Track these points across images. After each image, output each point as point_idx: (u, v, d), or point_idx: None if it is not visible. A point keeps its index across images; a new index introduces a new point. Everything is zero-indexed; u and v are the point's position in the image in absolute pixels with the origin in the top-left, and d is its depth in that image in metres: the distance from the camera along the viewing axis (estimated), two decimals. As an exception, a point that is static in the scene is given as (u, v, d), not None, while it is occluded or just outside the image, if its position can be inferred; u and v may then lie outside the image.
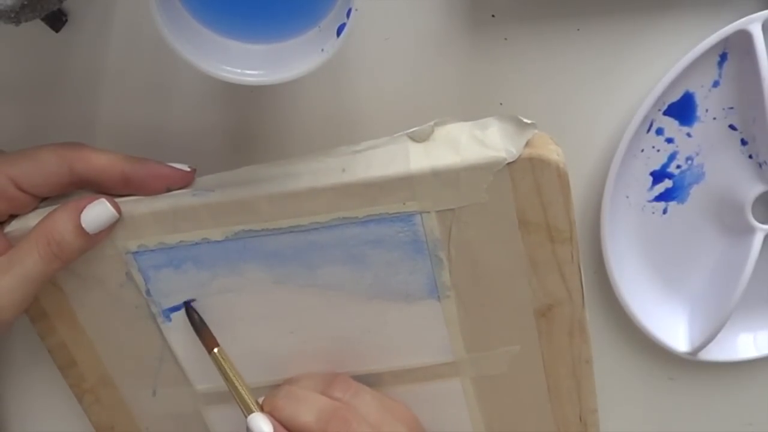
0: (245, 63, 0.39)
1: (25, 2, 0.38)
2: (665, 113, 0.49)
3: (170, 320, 0.48)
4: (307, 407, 0.46)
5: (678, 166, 0.51)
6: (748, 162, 0.50)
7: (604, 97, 0.49)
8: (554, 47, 0.48)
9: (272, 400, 0.47)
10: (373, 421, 0.47)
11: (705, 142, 0.50)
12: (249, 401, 0.47)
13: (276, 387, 0.49)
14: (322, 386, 0.48)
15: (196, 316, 0.47)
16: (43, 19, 0.45)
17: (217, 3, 0.39)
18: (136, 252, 0.45)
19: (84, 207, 0.43)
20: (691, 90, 0.49)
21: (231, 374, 0.47)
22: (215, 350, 0.47)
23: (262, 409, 0.47)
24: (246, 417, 0.46)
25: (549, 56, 0.48)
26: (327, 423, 0.45)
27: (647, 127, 0.50)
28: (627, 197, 0.51)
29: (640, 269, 0.53)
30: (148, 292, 0.47)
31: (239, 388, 0.47)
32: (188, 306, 0.47)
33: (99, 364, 0.50)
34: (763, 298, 0.53)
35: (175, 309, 0.48)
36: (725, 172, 0.51)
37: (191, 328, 0.48)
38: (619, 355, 0.56)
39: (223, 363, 0.47)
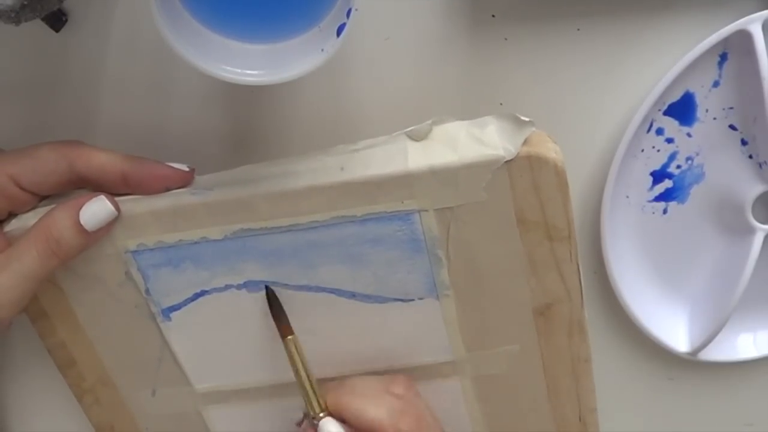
0: (245, 63, 0.39)
1: (25, 2, 0.38)
2: (665, 113, 0.49)
3: (170, 319, 0.48)
4: (375, 403, 0.46)
5: (678, 166, 0.51)
6: (748, 162, 0.50)
7: (604, 97, 0.49)
8: (554, 47, 0.48)
9: (337, 396, 0.46)
10: (431, 422, 0.47)
11: (705, 142, 0.50)
12: (314, 397, 0.46)
13: (335, 382, 0.48)
14: (384, 383, 0.48)
15: (276, 301, 0.47)
16: (43, 19, 0.45)
17: (217, 3, 0.39)
18: (136, 251, 0.46)
19: (83, 204, 0.43)
20: (691, 90, 0.49)
21: (300, 365, 0.46)
22: (289, 338, 0.46)
23: (326, 405, 0.46)
24: (308, 408, 0.46)
25: (549, 56, 0.48)
26: (399, 420, 0.45)
27: (647, 127, 0.49)
28: (627, 197, 0.51)
29: (640, 269, 0.53)
30: (147, 291, 0.47)
31: (306, 381, 0.46)
32: (269, 289, 0.47)
33: (98, 364, 0.50)
34: (763, 298, 0.53)
35: (175, 308, 0.48)
36: (725, 172, 0.51)
37: (193, 327, 0.48)
38: (619, 355, 0.56)
39: (293, 352, 0.46)
